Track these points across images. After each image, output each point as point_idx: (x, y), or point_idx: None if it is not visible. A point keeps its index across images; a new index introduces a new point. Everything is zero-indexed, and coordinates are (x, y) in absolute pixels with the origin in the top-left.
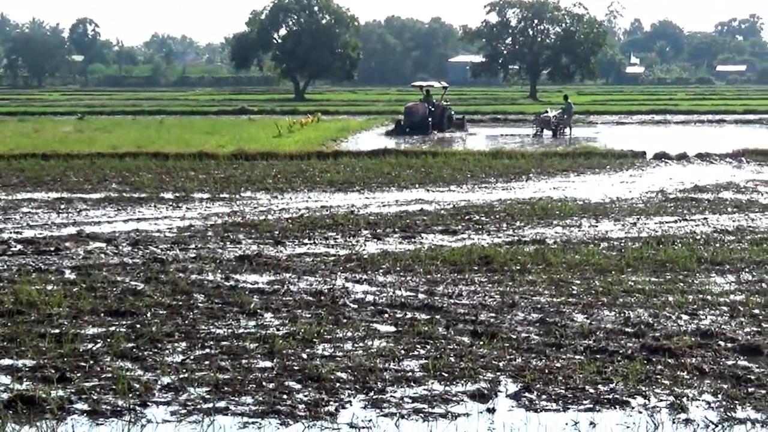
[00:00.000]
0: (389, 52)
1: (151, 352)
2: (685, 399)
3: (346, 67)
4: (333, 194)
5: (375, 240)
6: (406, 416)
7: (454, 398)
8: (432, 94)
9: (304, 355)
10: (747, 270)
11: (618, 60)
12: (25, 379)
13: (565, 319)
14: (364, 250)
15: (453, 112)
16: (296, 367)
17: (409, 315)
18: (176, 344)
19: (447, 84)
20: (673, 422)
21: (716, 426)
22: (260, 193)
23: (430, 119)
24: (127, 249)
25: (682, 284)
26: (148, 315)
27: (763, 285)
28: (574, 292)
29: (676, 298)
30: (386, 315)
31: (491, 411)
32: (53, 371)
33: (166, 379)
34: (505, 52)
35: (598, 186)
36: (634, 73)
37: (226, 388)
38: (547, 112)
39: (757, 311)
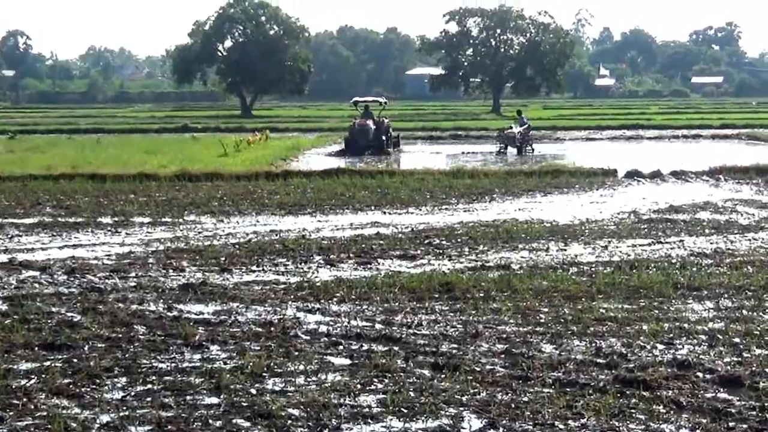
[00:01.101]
0: (342, 65)
1: (89, 389)
2: None
3: (296, 80)
4: (283, 217)
5: (328, 266)
6: None
7: None
8: (371, 110)
9: (253, 391)
10: (726, 296)
11: (587, 71)
12: None
13: (533, 349)
14: (316, 277)
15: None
16: (245, 404)
17: (365, 347)
18: (116, 380)
19: (384, 100)
20: None
21: None
22: (205, 217)
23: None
24: (62, 278)
25: (657, 311)
26: (86, 348)
27: (744, 312)
28: (542, 320)
29: (651, 326)
30: (341, 347)
31: None
32: None
33: (105, 418)
34: (466, 63)
35: (567, 207)
36: (604, 86)
37: (169, 427)
38: (511, 127)
39: (737, 340)
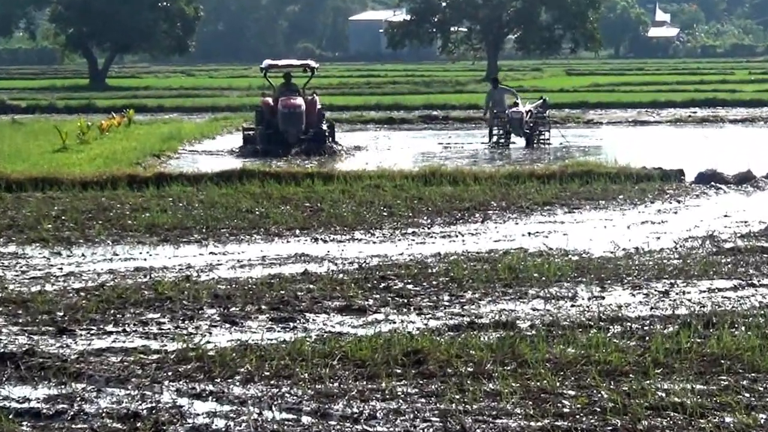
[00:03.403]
0: (249, 8)
1: None
2: None
3: (176, 32)
4: (155, 248)
5: (227, 325)
6: None
7: None
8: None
9: None
10: None
11: (635, 16)
12: None
13: None
14: (208, 342)
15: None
16: None
17: None
18: None
19: (314, 65)
20: None
21: None
22: (32, 248)
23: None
24: None
25: (747, 395)
26: None
27: None
28: (566, 410)
29: (740, 418)
30: None
31: None
32: None
33: None
34: (444, 5)
35: (605, 230)
36: (663, 38)
37: None
38: (517, 104)
39: None
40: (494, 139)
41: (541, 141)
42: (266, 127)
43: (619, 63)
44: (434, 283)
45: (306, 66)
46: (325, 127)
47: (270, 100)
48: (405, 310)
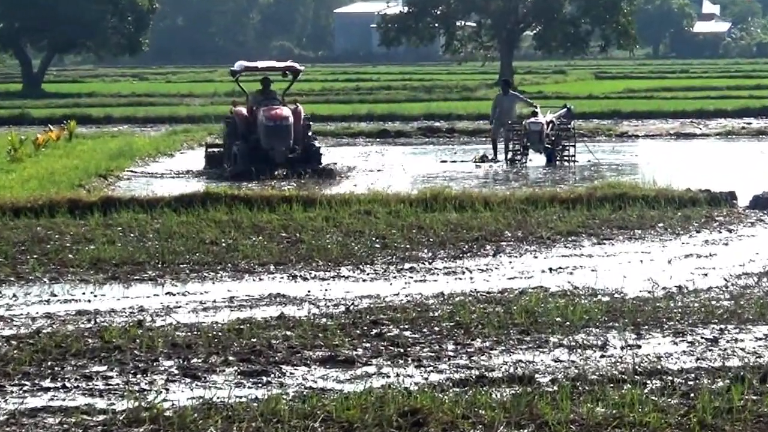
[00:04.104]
0: (214, 2)
1: None
2: None
3: (127, 29)
4: (102, 287)
5: (188, 380)
6: None
7: None
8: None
9: None
10: None
11: (678, 8)
12: None
13: None
14: (165, 400)
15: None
16: None
17: None
18: None
19: (300, 68)
20: None
21: None
22: None
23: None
24: None
25: None
26: None
27: None
28: None
29: None
30: None
31: None
32: None
33: None
34: None
35: (641, 264)
36: (710, 35)
37: None
38: (536, 113)
39: None
40: (499, 156)
41: (565, 158)
42: (244, 143)
43: (659, 64)
44: (436, 329)
45: (288, 69)
46: (314, 143)
47: (244, 110)
48: (401, 361)
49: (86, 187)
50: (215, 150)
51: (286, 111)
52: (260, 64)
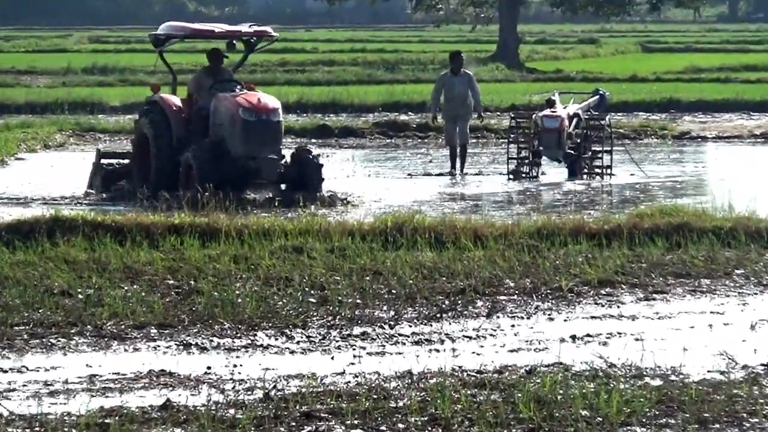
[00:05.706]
0: None
1: None
2: None
3: None
4: None
5: None
6: None
7: None
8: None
9: None
10: None
11: None
12: None
13: None
14: None
15: None
16: None
17: None
18: None
19: (274, 34)
20: None
21: None
22: None
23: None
24: None
25: None
26: None
27: None
28: None
29: None
30: None
31: None
32: None
33: None
34: None
35: (710, 331)
36: None
37: None
38: (553, 102)
39: None
40: (512, 165)
41: (596, 170)
42: (207, 149)
43: (737, 30)
44: (400, 426)
45: (257, 35)
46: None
47: (175, 98)
48: None
49: None
50: (115, 163)
51: (272, 99)
52: (204, 26)
